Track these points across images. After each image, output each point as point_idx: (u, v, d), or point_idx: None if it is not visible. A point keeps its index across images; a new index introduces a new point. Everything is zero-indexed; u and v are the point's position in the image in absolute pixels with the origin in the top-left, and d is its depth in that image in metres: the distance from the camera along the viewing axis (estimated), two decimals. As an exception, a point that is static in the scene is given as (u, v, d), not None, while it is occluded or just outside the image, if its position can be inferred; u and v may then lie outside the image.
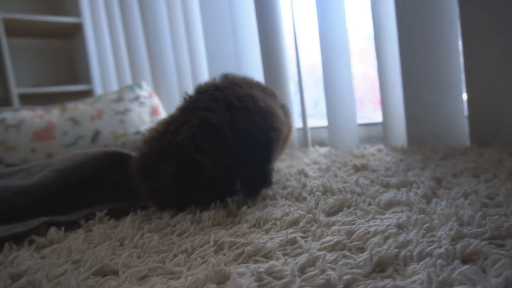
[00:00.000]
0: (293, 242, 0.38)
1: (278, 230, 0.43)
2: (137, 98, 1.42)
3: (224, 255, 0.37)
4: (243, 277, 0.31)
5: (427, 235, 0.36)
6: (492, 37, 0.76)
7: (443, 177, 0.57)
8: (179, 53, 1.52)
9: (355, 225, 0.40)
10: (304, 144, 1.17)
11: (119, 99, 1.39)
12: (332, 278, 0.29)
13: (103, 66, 1.98)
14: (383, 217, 0.42)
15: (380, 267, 0.31)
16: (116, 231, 0.49)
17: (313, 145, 1.17)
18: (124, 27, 1.75)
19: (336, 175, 0.68)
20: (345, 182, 0.62)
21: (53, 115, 1.29)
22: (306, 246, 0.37)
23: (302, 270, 0.32)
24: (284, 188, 0.62)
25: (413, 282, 0.28)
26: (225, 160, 0.53)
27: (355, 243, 0.36)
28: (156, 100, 1.47)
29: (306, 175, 0.70)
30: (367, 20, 1.00)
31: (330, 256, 0.33)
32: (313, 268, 0.32)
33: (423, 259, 0.31)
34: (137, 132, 1.32)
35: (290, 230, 0.41)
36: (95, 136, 1.27)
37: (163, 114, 1.44)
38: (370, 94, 1.24)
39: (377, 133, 1.10)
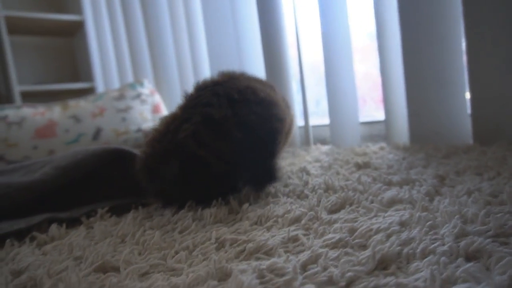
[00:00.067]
0: (295, 239, 0.38)
1: (280, 227, 0.43)
2: (138, 95, 1.42)
3: (226, 252, 0.37)
4: (245, 274, 0.31)
5: (430, 232, 0.35)
6: (496, 35, 0.75)
7: (446, 175, 0.56)
8: (181, 51, 1.52)
9: (357, 223, 0.40)
10: (306, 142, 1.17)
11: (121, 97, 1.39)
12: (334, 275, 0.29)
13: (105, 63, 1.98)
14: (386, 214, 0.42)
15: (382, 265, 0.31)
16: (118, 228, 0.49)
17: (315, 143, 1.17)
18: (125, 25, 1.75)
19: (338, 173, 0.68)
20: (347, 180, 0.61)
21: (54, 112, 1.29)
22: (308, 244, 0.36)
23: (304, 267, 0.32)
24: (286, 185, 0.62)
25: (416, 279, 0.28)
26: (230, 155, 0.53)
27: (357, 240, 0.36)
28: (157, 98, 1.47)
29: (308, 173, 0.70)
30: (370, 17, 1.00)
31: (332, 254, 0.33)
32: (315, 265, 0.31)
33: (426, 257, 0.31)
34: (139, 130, 1.32)
35: (292, 228, 0.41)
36: (97, 133, 1.27)
37: (164, 112, 1.44)
38: (372, 92, 1.23)
39: (379, 132, 1.09)
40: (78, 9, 2.06)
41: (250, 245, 0.37)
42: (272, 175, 0.57)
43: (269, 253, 0.36)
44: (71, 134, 1.24)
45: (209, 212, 0.49)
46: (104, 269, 0.36)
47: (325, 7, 1.04)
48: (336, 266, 0.31)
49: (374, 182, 0.58)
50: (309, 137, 1.16)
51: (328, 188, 0.57)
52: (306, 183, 0.61)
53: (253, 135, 0.54)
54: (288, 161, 0.88)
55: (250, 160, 0.55)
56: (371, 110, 1.24)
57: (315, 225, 0.41)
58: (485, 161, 0.62)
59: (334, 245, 0.36)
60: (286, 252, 0.36)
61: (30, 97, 2.08)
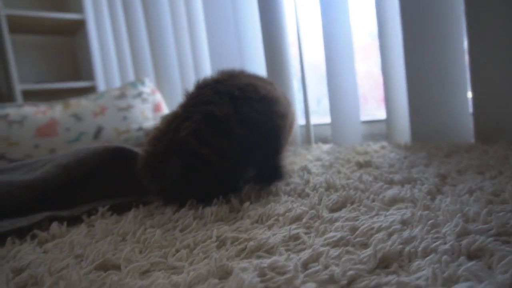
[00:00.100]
0: (296, 238, 0.38)
1: (281, 226, 0.43)
2: (139, 94, 1.42)
3: (227, 250, 0.37)
4: (246, 272, 0.31)
5: (432, 231, 0.35)
6: (498, 34, 0.75)
7: (448, 174, 0.56)
8: (182, 50, 1.52)
9: (358, 221, 0.40)
10: (307, 141, 1.17)
11: (122, 96, 1.39)
12: (335, 273, 0.29)
13: (106, 62, 1.98)
14: (387, 213, 0.42)
15: (384, 263, 0.31)
16: (118, 226, 0.49)
17: (316, 142, 1.17)
18: (127, 24, 1.75)
19: (339, 172, 0.68)
20: (349, 178, 0.61)
21: (56, 111, 1.29)
22: (309, 242, 0.36)
23: (305, 265, 0.31)
24: (287, 184, 0.62)
25: (418, 278, 0.28)
26: (232, 153, 0.53)
27: (358, 239, 0.36)
28: (158, 97, 1.47)
29: (309, 172, 0.70)
30: (371, 16, 0.99)
31: (334, 252, 0.33)
32: (316, 264, 0.31)
33: (428, 255, 0.31)
34: (140, 129, 1.32)
35: (293, 226, 0.41)
36: (98, 132, 1.27)
37: (165, 111, 1.44)
38: (373, 91, 1.23)
39: (380, 130, 1.09)
40: (79, 8, 2.06)
41: (251, 243, 0.37)
42: (278, 172, 0.57)
43: (270, 251, 0.36)
44: (72, 133, 1.24)
45: (210, 211, 0.49)
46: (105, 267, 0.36)
47: (327, 5, 1.04)
48: (337, 265, 0.31)
49: (376, 181, 0.57)
50: (310, 136, 1.15)
51: (329, 187, 0.56)
52: (307, 181, 0.61)
53: (255, 132, 0.54)
54: (289, 160, 0.88)
55: (252, 158, 0.55)
56: (373, 109, 1.24)
57: (316, 224, 0.41)
58: (487, 160, 0.62)
59: (336, 244, 0.35)
60: (287, 250, 0.36)
61: (31, 96, 2.08)
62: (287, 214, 0.45)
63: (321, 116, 1.26)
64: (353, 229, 0.38)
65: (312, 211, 0.45)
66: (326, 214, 0.44)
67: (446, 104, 0.85)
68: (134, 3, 1.69)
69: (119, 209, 0.58)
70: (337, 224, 0.40)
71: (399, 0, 0.88)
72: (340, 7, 1.02)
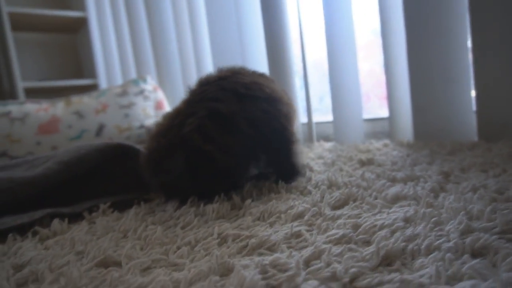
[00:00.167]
0: (298, 235, 0.38)
1: (282, 223, 0.42)
2: (141, 92, 1.41)
3: (228, 247, 0.37)
4: (247, 269, 0.30)
5: (435, 229, 0.35)
6: (502, 32, 0.74)
7: (451, 172, 0.56)
8: (184, 47, 1.52)
9: (361, 219, 0.40)
10: (309, 139, 1.16)
11: (124, 93, 1.39)
12: (338, 271, 0.29)
13: (108, 60, 1.98)
14: (390, 211, 0.42)
15: (387, 261, 0.31)
16: (120, 223, 0.48)
17: (318, 140, 1.16)
18: (129, 21, 1.75)
19: (341, 170, 0.67)
20: (351, 176, 0.61)
21: (57, 108, 1.29)
22: (311, 239, 0.36)
23: (307, 263, 0.31)
24: (289, 182, 0.61)
25: (421, 276, 0.27)
26: (236, 150, 0.53)
27: (361, 236, 0.35)
28: (160, 94, 1.47)
29: (311, 169, 0.70)
30: (374, 14, 0.99)
31: (336, 249, 0.33)
32: (318, 261, 0.31)
33: (431, 253, 0.31)
34: (141, 126, 1.32)
35: (295, 223, 0.41)
36: (100, 129, 1.27)
37: (167, 108, 1.44)
38: (376, 89, 1.22)
39: (382, 128, 1.08)
40: (82, 6, 2.06)
41: (253, 240, 0.37)
42: (295, 170, 0.58)
43: (272, 248, 0.36)
44: (74, 130, 1.24)
45: (211, 208, 0.49)
46: (105, 264, 0.36)
47: (329, 3, 1.03)
48: (339, 262, 0.30)
49: (378, 179, 0.57)
50: (312, 133, 1.15)
51: (332, 185, 0.56)
52: (309, 179, 0.61)
53: (259, 131, 0.54)
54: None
55: (256, 156, 0.55)
56: (375, 107, 1.23)
57: (318, 221, 0.41)
58: (491, 158, 0.62)
59: (338, 241, 0.35)
60: (289, 247, 0.35)
61: (33, 93, 2.08)
62: (289, 211, 0.44)
63: (323, 114, 1.26)
64: (356, 227, 0.38)
65: (314, 208, 0.44)
66: (328, 211, 0.44)
67: (449, 102, 0.85)
68: (136, 1, 1.69)
69: (121, 206, 0.58)
70: (339, 221, 0.40)
71: (402, -3, 0.87)
72: (343, 5, 1.02)
